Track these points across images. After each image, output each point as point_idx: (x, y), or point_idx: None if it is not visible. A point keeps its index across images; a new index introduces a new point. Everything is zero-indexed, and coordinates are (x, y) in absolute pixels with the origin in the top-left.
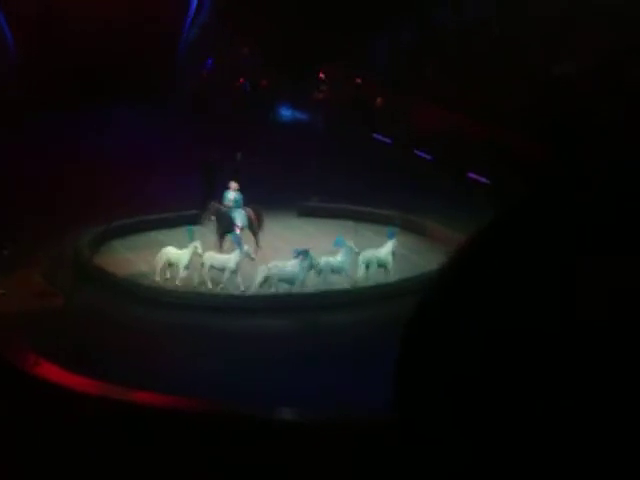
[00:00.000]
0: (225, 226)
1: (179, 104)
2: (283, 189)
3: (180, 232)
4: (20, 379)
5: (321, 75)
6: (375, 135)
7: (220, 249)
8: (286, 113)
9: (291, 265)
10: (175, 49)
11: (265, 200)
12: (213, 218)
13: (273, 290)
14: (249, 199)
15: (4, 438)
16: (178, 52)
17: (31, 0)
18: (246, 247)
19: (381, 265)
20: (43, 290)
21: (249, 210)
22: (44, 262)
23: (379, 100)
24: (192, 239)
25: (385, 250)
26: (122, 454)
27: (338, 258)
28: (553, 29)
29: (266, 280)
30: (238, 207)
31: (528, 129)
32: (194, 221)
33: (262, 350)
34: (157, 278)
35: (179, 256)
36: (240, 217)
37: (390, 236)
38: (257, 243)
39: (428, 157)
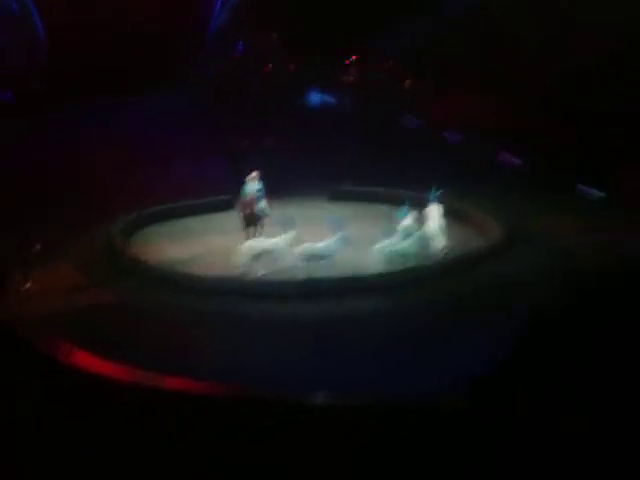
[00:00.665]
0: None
1: (207, 89)
2: (313, 173)
3: (212, 219)
4: (55, 368)
5: (350, 59)
6: (404, 117)
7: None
8: (315, 97)
9: (326, 242)
10: (205, 33)
11: (295, 185)
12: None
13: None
14: (279, 184)
15: (41, 426)
16: (208, 36)
17: None
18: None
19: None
20: (76, 281)
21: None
22: (76, 253)
23: (408, 82)
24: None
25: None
26: (154, 439)
27: (405, 244)
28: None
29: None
30: (261, 197)
31: (555, 111)
32: (225, 207)
33: (297, 337)
34: (243, 271)
35: (274, 246)
36: (267, 207)
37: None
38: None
39: (457, 139)
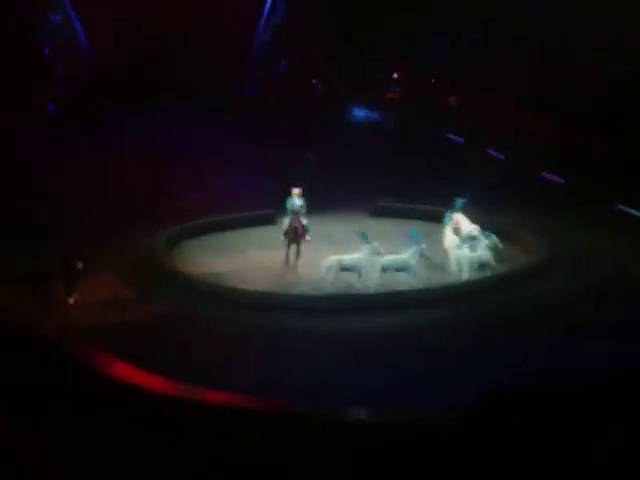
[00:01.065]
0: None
1: (251, 105)
2: (356, 189)
3: (254, 232)
4: (94, 379)
5: (394, 75)
6: (448, 134)
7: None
8: (359, 113)
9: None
10: (249, 50)
11: (338, 200)
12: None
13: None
14: (322, 199)
15: (80, 436)
16: (252, 53)
17: (107, 7)
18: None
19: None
20: (119, 294)
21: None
22: (118, 266)
23: (452, 99)
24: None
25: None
26: (194, 452)
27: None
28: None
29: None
30: (305, 213)
31: (600, 128)
32: (269, 221)
33: (348, 350)
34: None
35: (357, 260)
36: (309, 224)
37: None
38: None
39: (500, 156)
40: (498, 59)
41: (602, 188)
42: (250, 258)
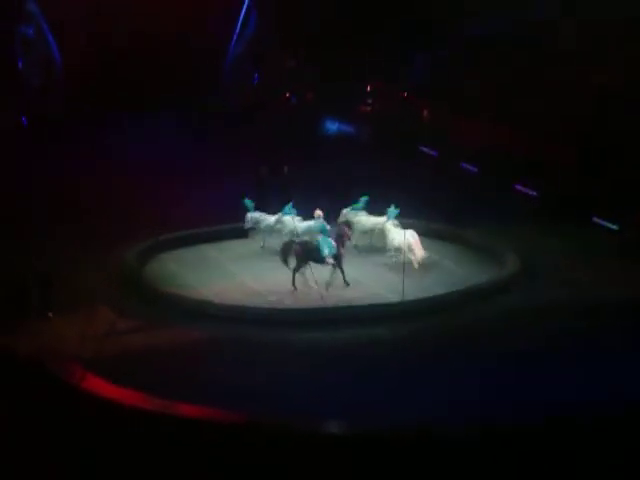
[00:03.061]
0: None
1: (225, 118)
2: (330, 201)
3: (230, 245)
4: (68, 392)
5: (368, 89)
6: (421, 147)
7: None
8: (332, 126)
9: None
10: (222, 63)
11: (312, 213)
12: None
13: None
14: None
15: (56, 448)
16: (225, 66)
17: (81, 20)
18: None
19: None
20: (93, 307)
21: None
22: (93, 279)
23: (425, 113)
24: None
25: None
26: (164, 463)
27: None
28: (590, 40)
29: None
30: (327, 235)
31: (571, 141)
32: (243, 234)
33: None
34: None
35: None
36: (329, 246)
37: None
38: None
39: (473, 169)
40: (470, 74)
41: (576, 201)
42: (225, 271)
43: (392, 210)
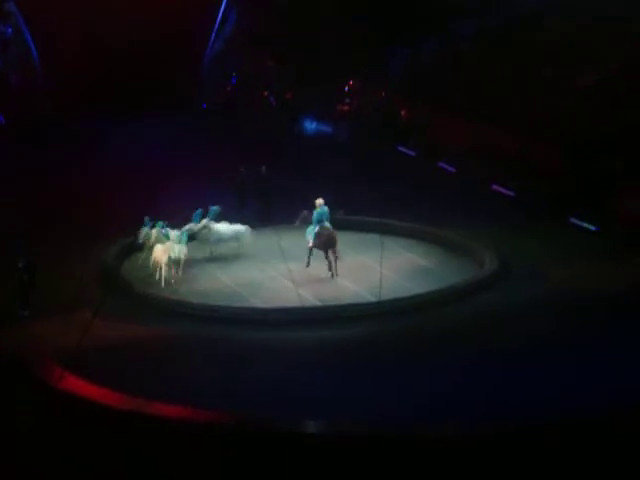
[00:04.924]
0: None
1: (203, 117)
2: (308, 201)
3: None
4: (46, 392)
5: (346, 88)
6: (399, 147)
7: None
8: (310, 125)
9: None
10: (200, 63)
11: (292, 213)
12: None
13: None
14: (275, 211)
15: (32, 448)
16: (203, 66)
17: (58, 21)
18: None
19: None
20: (70, 306)
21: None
22: (72, 277)
23: (403, 112)
24: None
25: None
26: (142, 463)
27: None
28: (575, 40)
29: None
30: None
31: (551, 141)
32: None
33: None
34: None
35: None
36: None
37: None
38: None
39: (451, 169)
40: (449, 73)
41: (554, 201)
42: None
43: (214, 208)
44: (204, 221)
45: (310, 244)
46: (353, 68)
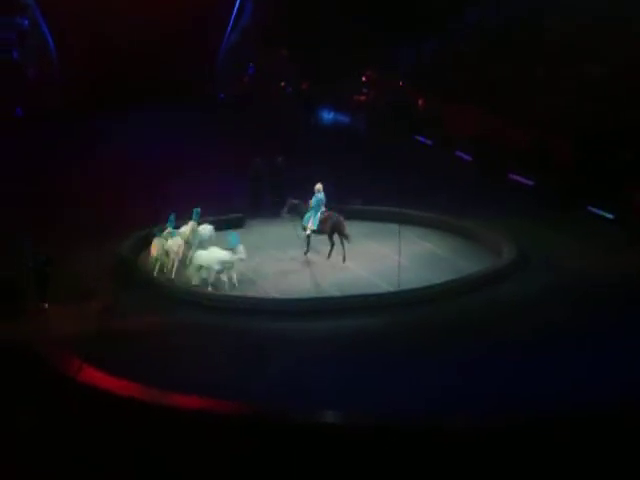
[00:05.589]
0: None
1: (220, 108)
2: (326, 192)
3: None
4: (65, 384)
5: (363, 78)
6: (416, 137)
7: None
8: (328, 116)
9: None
10: (216, 53)
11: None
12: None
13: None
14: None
15: (51, 440)
16: (219, 56)
17: (74, 12)
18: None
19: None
20: (88, 299)
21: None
22: (88, 269)
23: (420, 102)
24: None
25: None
26: (159, 454)
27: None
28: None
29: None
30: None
31: (566, 131)
32: (239, 224)
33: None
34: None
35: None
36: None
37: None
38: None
39: (468, 158)
40: (466, 64)
41: (571, 190)
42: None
43: (196, 210)
44: (190, 223)
45: (308, 231)
46: (371, 59)
